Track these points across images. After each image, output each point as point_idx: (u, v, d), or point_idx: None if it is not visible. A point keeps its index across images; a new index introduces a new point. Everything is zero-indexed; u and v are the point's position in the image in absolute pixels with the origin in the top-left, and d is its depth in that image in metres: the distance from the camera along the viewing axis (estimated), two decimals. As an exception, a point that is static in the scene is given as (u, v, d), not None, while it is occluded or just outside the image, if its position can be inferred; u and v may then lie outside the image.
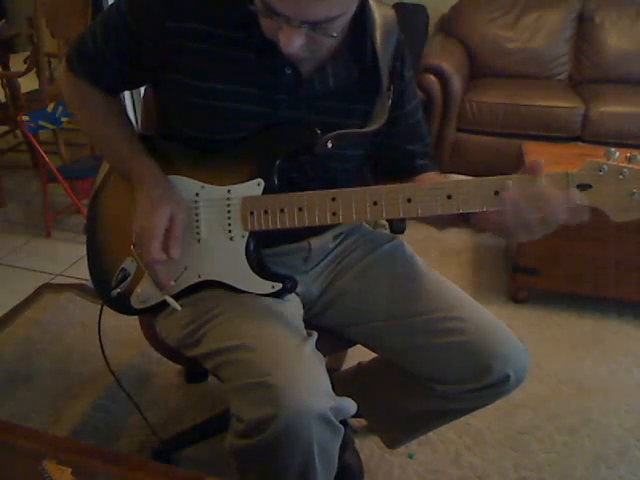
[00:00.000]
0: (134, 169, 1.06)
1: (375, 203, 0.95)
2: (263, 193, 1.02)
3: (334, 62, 1.01)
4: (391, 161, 1.17)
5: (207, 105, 1.01)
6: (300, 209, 0.99)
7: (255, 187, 1.03)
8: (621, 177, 0.86)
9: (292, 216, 1.00)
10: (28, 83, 3.49)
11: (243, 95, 1.00)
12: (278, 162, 1.02)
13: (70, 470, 0.84)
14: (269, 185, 1.02)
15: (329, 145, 1.01)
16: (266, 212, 1.01)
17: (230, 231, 1.05)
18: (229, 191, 1.04)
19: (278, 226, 1.01)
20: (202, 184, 1.05)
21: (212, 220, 1.06)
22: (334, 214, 0.98)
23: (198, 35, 0.97)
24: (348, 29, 0.99)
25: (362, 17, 0.99)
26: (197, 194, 1.06)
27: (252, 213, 1.02)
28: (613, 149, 0.87)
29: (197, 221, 1.06)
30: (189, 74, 1.00)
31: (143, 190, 1.04)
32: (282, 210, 1.00)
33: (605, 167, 0.86)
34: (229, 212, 1.04)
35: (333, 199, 0.97)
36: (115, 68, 1.07)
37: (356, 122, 1.05)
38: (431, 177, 1.16)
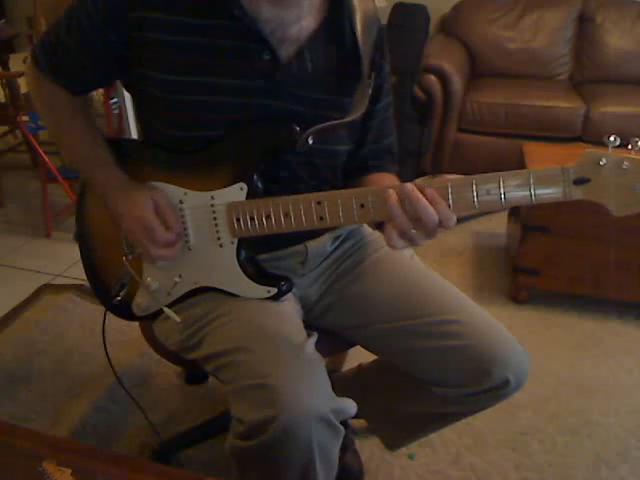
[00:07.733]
0: (96, 176, 1.05)
1: (362, 205, 0.91)
2: (247, 197, 0.99)
3: (311, 45, 0.99)
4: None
5: (178, 100, 0.97)
6: (286, 214, 0.95)
7: (238, 192, 0.99)
8: (622, 169, 0.79)
9: (279, 222, 0.96)
10: (28, 83, 3.48)
11: (216, 86, 0.96)
12: (258, 164, 0.99)
13: (70, 471, 0.84)
14: (252, 189, 0.99)
15: (310, 141, 0.97)
16: (252, 219, 0.98)
17: (219, 238, 1.02)
18: (212, 197, 1.00)
19: (266, 232, 0.98)
20: (185, 190, 1.02)
21: (200, 227, 1.03)
22: (321, 218, 0.94)
23: (163, 25, 0.93)
24: (325, 11, 0.99)
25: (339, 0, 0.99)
26: (181, 201, 1.02)
27: (238, 220, 0.99)
28: (612, 137, 0.80)
29: (185, 229, 1.03)
30: (157, 67, 0.96)
31: (109, 195, 1.02)
32: (268, 216, 0.97)
33: (605, 159, 0.80)
34: (215, 219, 1.01)
35: (319, 203, 0.93)
36: (79, 62, 1.02)
37: (339, 115, 1.01)
38: (381, 179, 1.12)
